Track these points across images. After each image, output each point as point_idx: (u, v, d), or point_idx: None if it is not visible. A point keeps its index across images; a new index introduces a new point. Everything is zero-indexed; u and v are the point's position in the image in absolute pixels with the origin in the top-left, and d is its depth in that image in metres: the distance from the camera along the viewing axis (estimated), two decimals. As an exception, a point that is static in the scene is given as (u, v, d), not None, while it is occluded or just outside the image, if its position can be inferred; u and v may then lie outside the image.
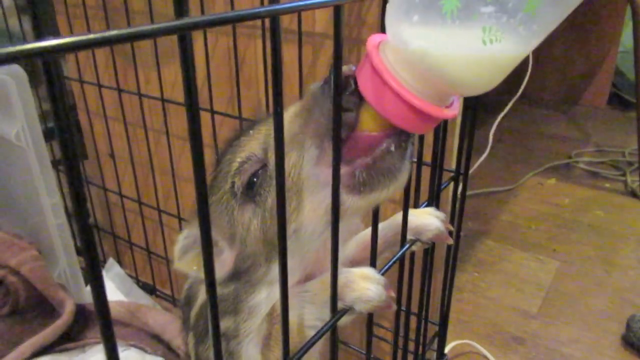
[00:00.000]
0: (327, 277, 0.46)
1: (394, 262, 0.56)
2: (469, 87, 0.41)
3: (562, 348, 1.18)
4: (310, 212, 0.48)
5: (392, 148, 0.44)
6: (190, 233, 0.54)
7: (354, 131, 0.45)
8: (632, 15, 1.65)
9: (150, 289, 1.31)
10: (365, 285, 0.47)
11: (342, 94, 0.43)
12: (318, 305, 0.48)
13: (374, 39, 0.43)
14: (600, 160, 2.04)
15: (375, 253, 0.51)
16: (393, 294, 0.48)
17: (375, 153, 0.45)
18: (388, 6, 0.40)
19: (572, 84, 2.62)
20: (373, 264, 0.51)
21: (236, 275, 0.54)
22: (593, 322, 1.25)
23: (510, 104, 1.86)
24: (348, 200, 0.46)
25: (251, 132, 0.54)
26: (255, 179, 0.50)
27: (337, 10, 0.34)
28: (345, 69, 0.43)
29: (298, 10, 0.30)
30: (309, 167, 0.47)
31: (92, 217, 1.37)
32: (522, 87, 1.88)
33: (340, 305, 0.47)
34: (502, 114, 1.85)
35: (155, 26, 0.22)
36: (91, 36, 0.20)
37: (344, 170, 0.45)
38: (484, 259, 1.50)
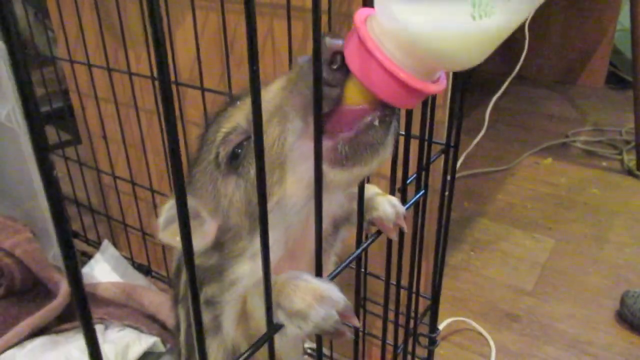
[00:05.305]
0: (281, 278, 0.44)
1: (351, 262, 0.55)
2: (457, 62, 0.41)
3: (556, 324, 1.19)
4: (293, 184, 0.48)
5: (376, 122, 0.44)
6: (174, 203, 0.53)
7: (339, 105, 0.44)
8: (629, -9, 1.63)
9: (145, 270, 1.32)
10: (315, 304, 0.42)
11: (328, 67, 0.42)
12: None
13: (361, 12, 0.43)
14: (597, 139, 2.03)
15: (321, 260, 0.46)
16: (357, 323, 0.45)
17: (358, 127, 0.44)
18: None
19: (570, 63, 2.60)
20: (319, 272, 0.46)
21: (219, 245, 0.54)
22: (588, 298, 1.26)
23: (506, 84, 1.85)
24: (330, 173, 0.46)
25: (238, 103, 0.53)
26: (239, 150, 0.50)
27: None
28: (333, 43, 0.42)
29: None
30: (293, 140, 0.47)
31: (86, 199, 1.37)
32: (519, 66, 1.87)
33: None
34: (498, 94, 1.84)
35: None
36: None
37: (326, 143, 0.44)
38: (480, 238, 1.50)
